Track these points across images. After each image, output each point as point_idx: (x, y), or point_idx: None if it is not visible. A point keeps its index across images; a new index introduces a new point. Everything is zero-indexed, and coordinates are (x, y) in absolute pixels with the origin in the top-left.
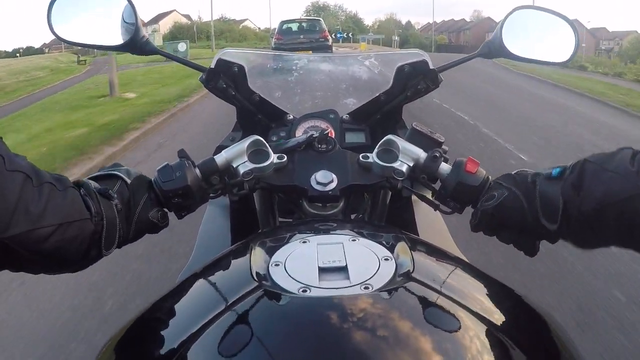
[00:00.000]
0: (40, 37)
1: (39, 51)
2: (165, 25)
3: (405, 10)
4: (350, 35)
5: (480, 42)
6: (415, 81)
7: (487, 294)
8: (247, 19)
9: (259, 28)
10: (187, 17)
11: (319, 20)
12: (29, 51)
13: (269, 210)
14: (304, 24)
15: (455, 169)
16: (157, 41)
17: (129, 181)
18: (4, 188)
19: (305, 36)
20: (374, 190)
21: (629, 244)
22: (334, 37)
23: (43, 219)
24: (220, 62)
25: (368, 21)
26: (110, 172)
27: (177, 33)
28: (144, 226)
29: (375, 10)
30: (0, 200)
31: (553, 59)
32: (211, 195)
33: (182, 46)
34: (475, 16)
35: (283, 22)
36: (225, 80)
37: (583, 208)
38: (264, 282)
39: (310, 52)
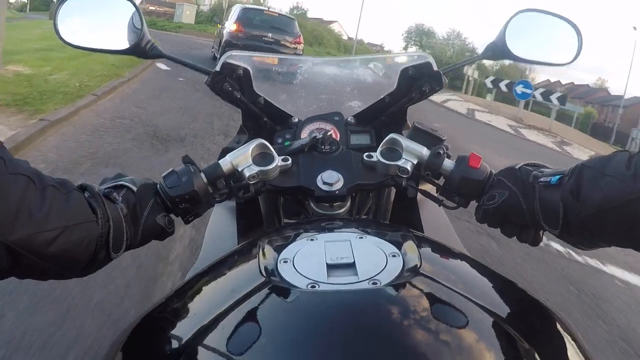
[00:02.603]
0: None
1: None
2: None
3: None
4: (554, 98)
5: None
6: (420, 83)
7: (493, 289)
8: (335, 21)
9: (347, 35)
10: None
11: (293, 19)
12: None
13: (274, 211)
14: (273, 19)
15: (459, 164)
16: (188, 18)
17: (134, 188)
18: (6, 191)
19: (273, 35)
20: (379, 188)
21: (628, 244)
22: (505, 89)
23: (47, 222)
24: (225, 65)
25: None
26: (115, 183)
27: (219, 11)
28: (151, 231)
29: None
30: (2, 203)
31: (556, 60)
32: (217, 199)
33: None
34: (599, 85)
35: (246, 10)
36: (231, 83)
37: (582, 214)
38: (272, 277)
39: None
